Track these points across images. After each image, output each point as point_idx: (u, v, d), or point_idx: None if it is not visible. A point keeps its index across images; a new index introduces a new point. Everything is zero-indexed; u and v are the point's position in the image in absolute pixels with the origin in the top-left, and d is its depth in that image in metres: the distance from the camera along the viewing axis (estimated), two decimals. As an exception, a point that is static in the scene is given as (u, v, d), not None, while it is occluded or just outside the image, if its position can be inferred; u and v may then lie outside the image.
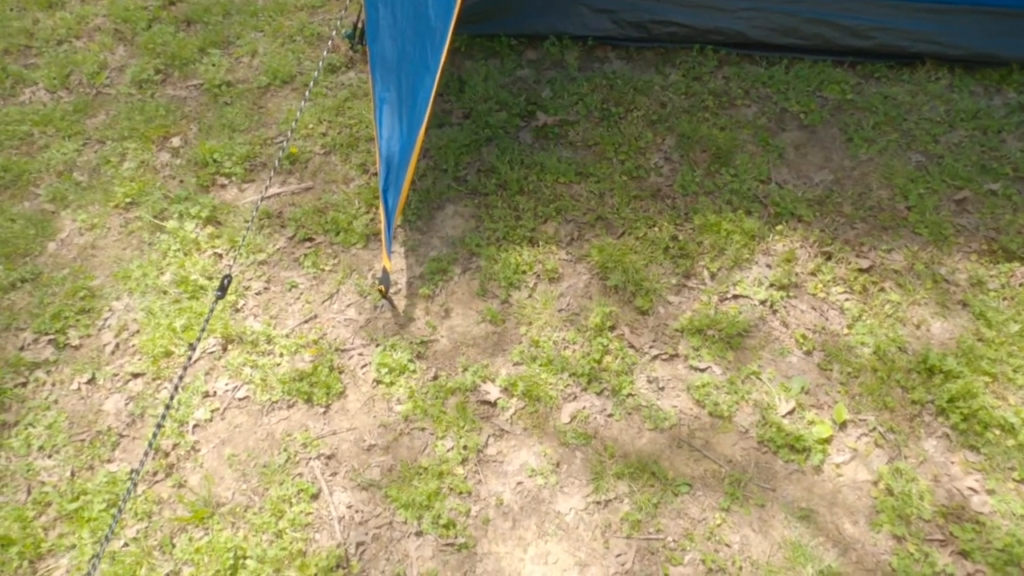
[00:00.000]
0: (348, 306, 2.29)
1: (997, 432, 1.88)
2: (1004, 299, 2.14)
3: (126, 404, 2.11)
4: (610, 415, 2.00)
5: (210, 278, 2.34)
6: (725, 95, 2.79)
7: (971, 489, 1.82)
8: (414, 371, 2.11)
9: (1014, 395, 1.94)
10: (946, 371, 1.97)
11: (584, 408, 2.02)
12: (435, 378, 2.10)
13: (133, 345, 2.22)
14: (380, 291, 2.15)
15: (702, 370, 2.07)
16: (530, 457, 1.94)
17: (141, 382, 2.15)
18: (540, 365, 2.09)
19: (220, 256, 2.42)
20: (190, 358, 1.53)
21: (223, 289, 1.63)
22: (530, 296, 2.27)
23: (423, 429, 2.00)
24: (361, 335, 2.21)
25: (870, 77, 2.81)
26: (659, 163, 2.60)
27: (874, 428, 1.93)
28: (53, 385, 2.16)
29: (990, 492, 1.80)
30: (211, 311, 1.63)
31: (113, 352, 2.22)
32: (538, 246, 2.37)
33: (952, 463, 1.86)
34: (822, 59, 2.86)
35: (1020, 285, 2.17)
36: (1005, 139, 2.56)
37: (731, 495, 1.84)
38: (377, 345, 2.17)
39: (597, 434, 1.97)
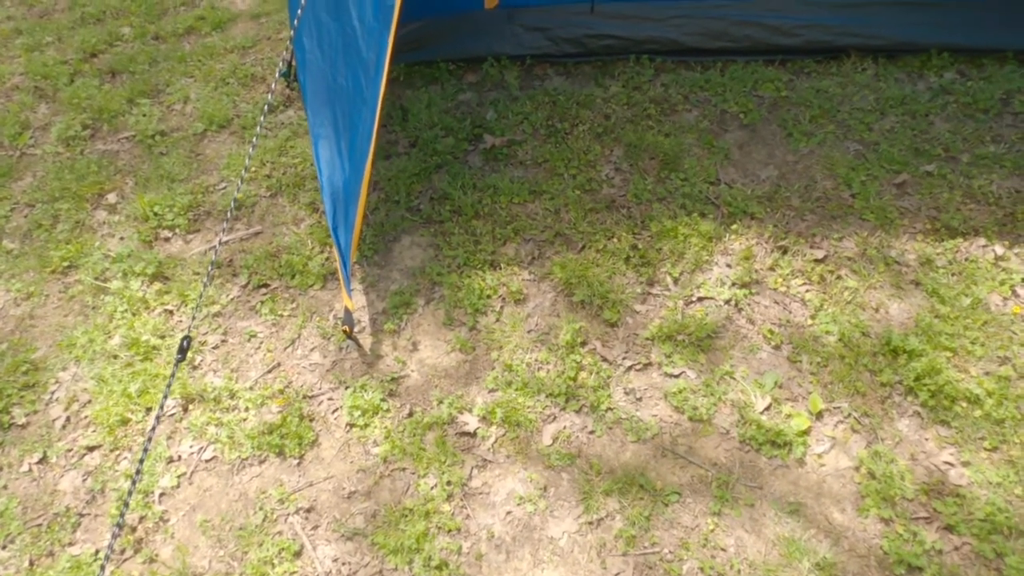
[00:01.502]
0: (312, 350, 2.21)
1: (964, 405, 1.93)
2: (953, 275, 2.22)
3: (84, 480, 1.98)
4: (592, 432, 1.98)
5: (162, 337, 2.24)
6: (666, 102, 2.84)
7: (947, 463, 1.86)
8: (388, 410, 2.05)
9: (975, 367, 2.00)
10: (909, 350, 2.03)
11: (565, 428, 1.99)
12: (410, 415, 2.04)
13: (86, 417, 2.10)
14: (345, 331, 2.09)
15: (677, 376, 2.07)
16: (516, 484, 1.90)
17: (98, 455, 2.02)
18: (516, 389, 2.06)
19: (171, 312, 2.32)
20: (154, 427, 1.45)
21: (183, 351, 1.55)
22: (498, 320, 2.24)
23: (404, 469, 1.94)
24: (329, 379, 2.14)
25: (801, 73, 2.91)
26: (610, 174, 2.62)
27: (849, 414, 1.96)
28: (0, 469, 2.02)
29: (965, 464, 1.85)
30: (172, 376, 1.54)
31: (64, 426, 2.09)
32: (500, 269, 2.35)
33: (926, 440, 1.91)
34: (754, 59, 2.95)
35: (966, 260, 2.26)
36: (933, 121, 2.67)
37: (720, 498, 1.83)
38: (346, 387, 2.10)
39: (581, 452, 1.95)
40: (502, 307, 2.27)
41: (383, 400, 2.06)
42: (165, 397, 1.46)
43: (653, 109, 2.81)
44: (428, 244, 2.45)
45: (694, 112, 2.80)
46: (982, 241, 2.29)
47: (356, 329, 2.22)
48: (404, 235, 2.49)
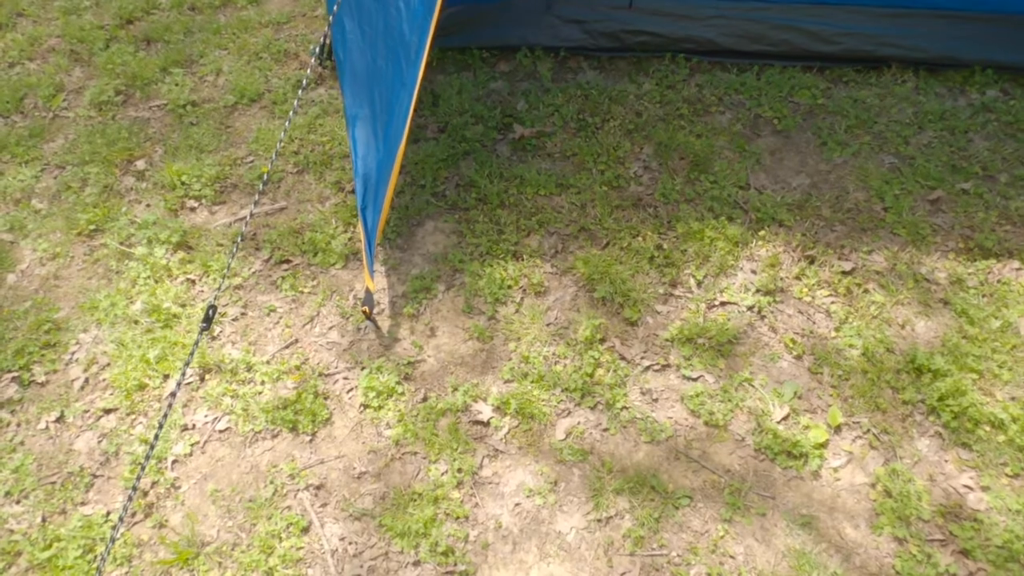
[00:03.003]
0: (330, 329, 2.22)
1: (987, 429, 1.90)
2: (984, 296, 2.18)
3: (99, 442, 2.00)
4: (605, 429, 1.97)
5: (183, 306, 2.25)
6: (699, 102, 2.81)
7: (966, 487, 1.83)
8: (402, 393, 2.05)
9: (1001, 391, 1.96)
10: (934, 370, 1.99)
11: (579, 424, 1.98)
12: (424, 400, 2.04)
13: (104, 379, 2.12)
14: (364, 312, 2.09)
15: (695, 379, 2.05)
16: (527, 477, 1.89)
17: (114, 418, 2.04)
18: (531, 382, 2.05)
19: (193, 282, 2.33)
20: (174, 393, 1.45)
21: (208, 320, 1.55)
22: (517, 311, 2.23)
23: (415, 453, 1.94)
24: (345, 358, 2.14)
25: (839, 81, 2.86)
26: (638, 172, 2.60)
27: (868, 430, 1.93)
28: (19, 425, 2.04)
29: (985, 489, 1.82)
30: (196, 344, 1.55)
31: (82, 388, 2.11)
32: (522, 260, 2.34)
33: (946, 461, 1.88)
34: (791, 65, 2.90)
35: (998, 282, 2.21)
36: (972, 139, 2.62)
37: (732, 505, 1.82)
38: (362, 368, 2.10)
39: (594, 450, 1.93)
40: (522, 298, 2.26)
41: (398, 383, 2.06)
42: (187, 364, 1.47)
43: (686, 109, 2.78)
44: (452, 231, 2.44)
45: (727, 114, 2.77)
46: (1016, 264, 2.25)
47: (375, 311, 2.22)
48: (428, 220, 2.48)
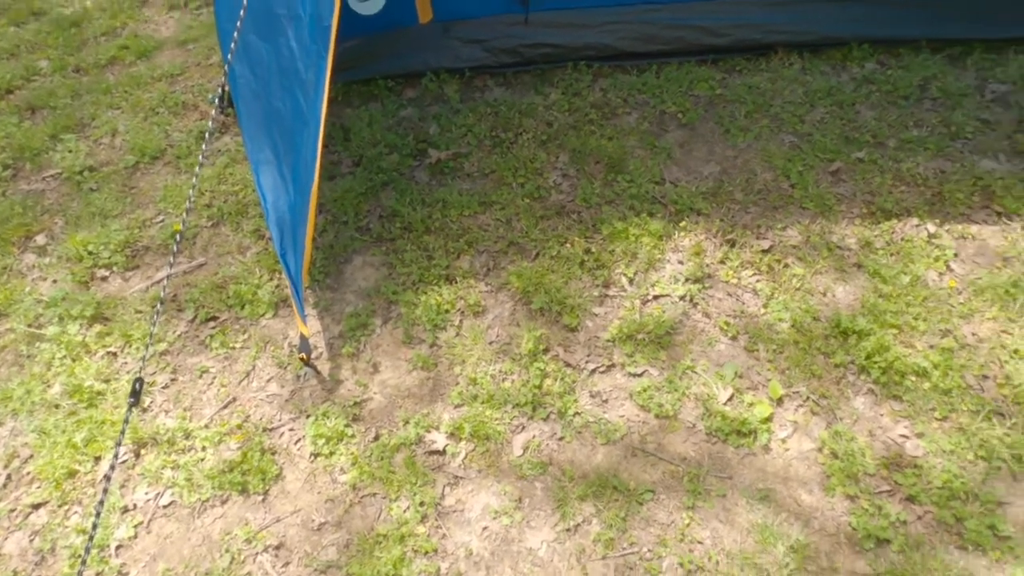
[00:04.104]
0: (268, 381, 2.14)
1: (913, 379, 2.01)
2: (891, 255, 2.31)
3: (31, 541, 1.86)
4: (561, 438, 1.98)
5: (107, 381, 2.13)
6: (606, 106, 2.88)
7: (903, 436, 1.93)
8: (352, 436, 2.00)
9: (920, 341, 2.08)
10: (858, 331, 2.10)
11: (534, 437, 1.98)
12: (376, 438, 2.00)
13: (28, 473, 1.98)
14: (302, 359, 2.03)
15: (640, 375, 2.09)
16: (490, 498, 1.88)
17: (45, 512, 1.91)
18: (482, 403, 2.04)
19: (115, 355, 2.21)
20: (108, 476, 1.36)
21: (136, 394, 1.47)
22: (458, 334, 2.22)
23: (374, 494, 1.89)
24: (288, 409, 2.07)
25: (733, 71, 2.99)
26: (558, 180, 2.64)
27: (807, 398, 2.01)
28: (-65, 539, 1.88)
29: (920, 435, 1.92)
30: (126, 421, 1.46)
31: (5, 485, 1.96)
32: (456, 283, 2.33)
33: (882, 415, 1.97)
34: (687, 60, 3.02)
35: (902, 240, 2.36)
36: (859, 110, 2.79)
37: (693, 492, 1.85)
38: (308, 416, 2.04)
39: (552, 460, 1.94)
40: (461, 321, 2.25)
41: (347, 426, 2.01)
42: (119, 444, 1.38)
43: (594, 114, 2.85)
44: (381, 263, 2.41)
45: (634, 115, 2.85)
46: (915, 221, 2.40)
47: (313, 355, 2.16)
48: (355, 256, 2.44)
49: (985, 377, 2.01)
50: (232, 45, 1.94)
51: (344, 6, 2.86)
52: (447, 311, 2.26)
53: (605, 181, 2.61)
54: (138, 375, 1.53)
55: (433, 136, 2.80)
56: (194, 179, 1.76)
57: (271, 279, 2.38)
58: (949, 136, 2.65)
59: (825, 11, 2.92)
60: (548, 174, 2.66)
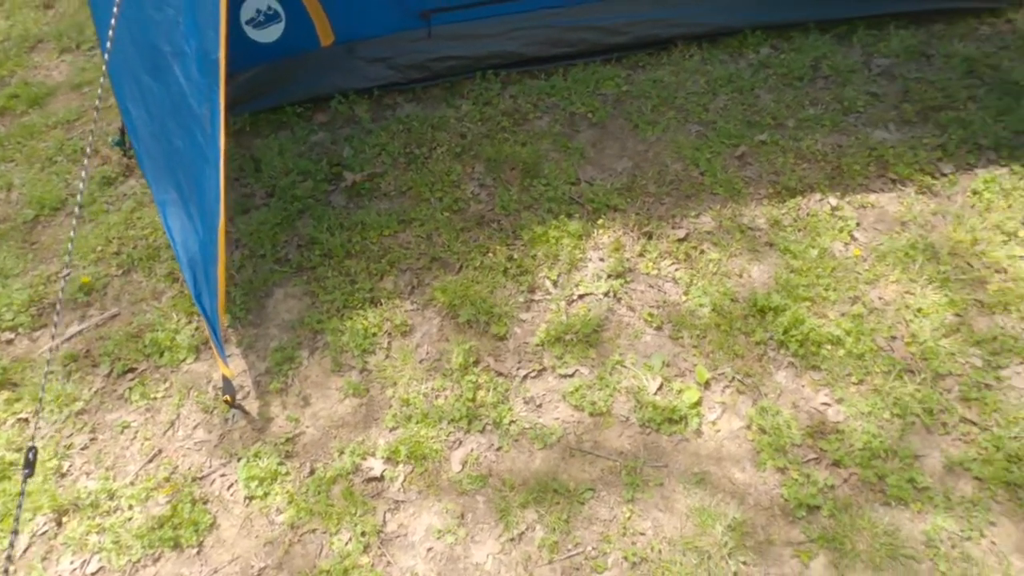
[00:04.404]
0: (195, 428, 2.08)
1: (829, 347, 2.09)
2: (799, 231, 2.40)
3: (-52, 631, 1.75)
4: (499, 448, 1.98)
5: (19, 450, 2.02)
6: (517, 112, 2.91)
7: (824, 404, 2.00)
8: (287, 473, 1.95)
9: (831, 311, 2.17)
10: (774, 307, 2.17)
11: (472, 450, 1.98)
12: (312, 473, 1.96)
13: (-61, 559, 1.85)
14: (227, 401, 1.98)
15: (571, 375, 2.11)
16: (433, 519, 1.86)
17: (-39, 598, 1.79)
18: (416, 422, 2.02)
19: (26, 421, 2.11)
20: (9, 556, 1.29)
21: (30, 465, 1.40)
22: (387, 356, 2.19)
23: (314, 530, 1.85)
24: (218, 455, 2.01)
25: (637, 67, 3.07)
26: (475, 191, 2.65)
27: (733, 378, 2.07)
28: None
29: (840, 401, 2.00)
30: (22, 494, 1.39)
31: (-86, 576, 1.83)
32: (381, 304, 2.31)
33: (803, 386, 2.05)
34: (593, 60, 3.08)
35: (808, 215, 2.45)
36: (758, 94, 2.89)
37: (631, 485, 1.88)
38: (239, 459, 1.99)
39: (492, 472, 1.94)
40: (389, 342, 2.23)
41: (280, 464, 1.97)
42: (17, 519, 1.31)
43: (506, 121, 2.87)
44: (303, 293, 2.37)
45: (545, 118, 2.89)
46: (818, 196, 2.50)
47: (240, 396, 2.11)
48: (276, 288, 2.39)
49: (894, 338, 2.11)
50: (102, 80, 1.87)
51: (241, 35, 2.81)
52: (374, 334, 2.24)
53: (522, 187, 2.63)
54: (30, 444, 1.45)
55: (347, 158, 2.78)
56: (87, 227, 1.69)
57: (190, 322, 2.30)
58: (842, 111, 2.78)
59: (718, 2, 3.02)
60: (465, 185, 2.66)
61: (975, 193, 2.46)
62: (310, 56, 2.93)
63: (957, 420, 1.93)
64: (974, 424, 1.93)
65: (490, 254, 2.42)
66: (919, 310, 2.15)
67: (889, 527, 1.76)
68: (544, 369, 2.14)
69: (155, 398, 2.14)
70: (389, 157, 2.77)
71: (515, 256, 2.41)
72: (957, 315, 2.14)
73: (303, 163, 2.75)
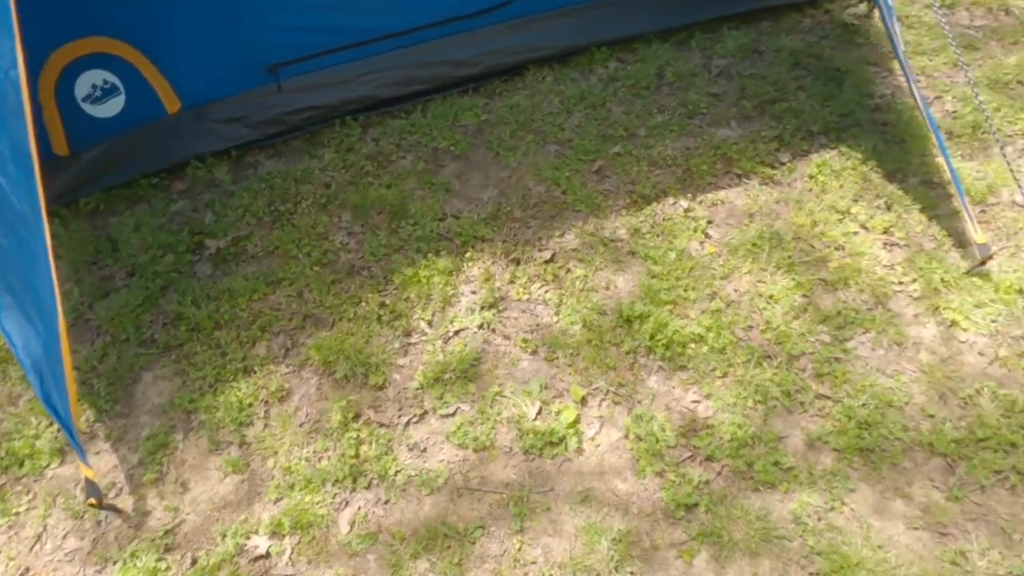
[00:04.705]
0: (64, 537, 1.97)
1: (693, 346, 2.19)
2: (657, 236, 2.51)
3: None
4: (387, 501, 1.97)
5: None
6: (380, 155, 2.92)
7: (694, 402, 2.09)
8: (168, 568, 1.88)
9: (692, 310, 2.27)
10: (639, 315, 2.25)
11: (360, 508, 1.96)
12: (194, 563, 1.89)
13: None
14: (92, 504, 1.88)
15: (452, 414, 2.12)
16: (325, 587, 1.83)
17: None
18: (300, 490, 1.99)
19: None
20: None
21: None
22: (266, 426, 2.15)
23: (201, 624, 1.79)
24: (92, 562, 1.91)
25: (494, 95, 3.13)
26: (344, 240, 2.63)
27: (607, 391, 2.13)
28: None
29: (708, 397, 2.09)
30: None
31: None
32: (255, 372, 2.26)
33: (674, 388, 2.13)
34: (449, 94, 3.12)
35: (664, 220, 2.56)
36: (610, 108, 3.01)
37: (520, 515, 1.90)
38: (115, 563, 1.89)
39: (381, 527, 1.92)
40: (267, 410, 2.18)
41: (160, 559, 1.89)
42: None
43: (370, 165, 2.88)
44: (172, 373, 2.29)
45: (408, 157, 2.91)
46: (671, 200, 2.62)
47: (112, 493, 2.02)
48: (144, 373, 2.30)
49: (750, 327, 2.22)
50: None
51: (79, 113, 2.72)
52: (250, 405, 2.18)
53: (390, 230, 2.64)
54: None
55: (209, 225, 2.71)
56: None
57: (51, 424, 2.19)
58: (688, 115, 2.92)
59: (561, 25, 3.13)
60: (333, 236, 2.64)
61: (811, 177, 2.63)
62: (158, 125, 2.86)
63: (812, 397, 2.05)
64: (828, 398, 2.05)
65: (363, 303, 2.41)
66: (770, 297, 2.28)
67: (760, 512, 1.85)
68: (425, 412, 2.14)
69: (17, 512, 2.02)
70: (253, 218, 2.72)
71: (387, 302, 2.41)
72: (804, 296, 2.28)
73: (163, 236, 2.66)
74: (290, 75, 2.92)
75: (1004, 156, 2.36)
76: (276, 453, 2.08)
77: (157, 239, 2.66)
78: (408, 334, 2.33)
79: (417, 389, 2.19)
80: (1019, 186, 2.33)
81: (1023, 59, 2.98)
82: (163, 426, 2.16)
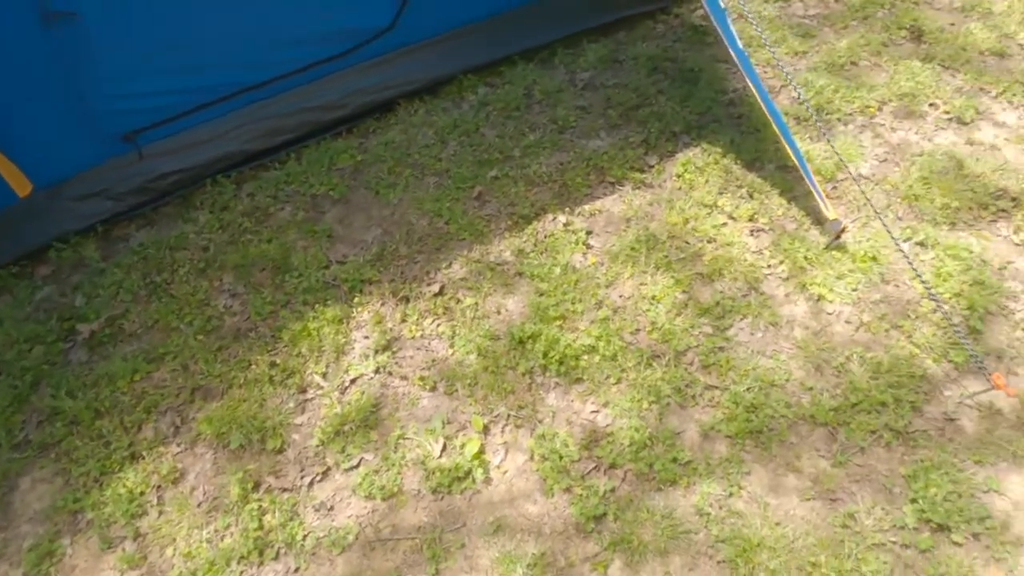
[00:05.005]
0: (-56, 677, 1.80)
1: (586, 357, 2.23)
2: (541, 253, 2.55)
3: None
4: (297, 570, 1.90)
5: None
6: (257, 210, 2.85)
7: (593, 412, 2.13)
8: None
9: (581, 322, 2.32)
10: (531, 335, 2.28)
11: (269, 582, 1.89)
12: (94, 675, 1.76)
13: None
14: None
15: (356, 466, 2.08)
16: (240, 673, 1.74)
17: None
18: (204, 574, 1.89)
19: None
20: None
21: None
22: (160, 513, 2.04)
23: None
24: None
25: (368, 134, 3.12)
26: (227, 304, 2.55)
27: (508, 415, 2.14)
28: None
29: (605, 405, 2.13)
30: None
31: None
32: (144, 458, 2.15)
33: (572, 402, 2.16)
34: (322, 138, 3.09)
35: (546, 237, 2.61)
36: (484, 133, 3.05)
37: (434, 558, 1.88)
38: None
39: (293, 597, 1.85)
40: (160, 496, 2.07)
41: None
42: None
43: (248, 222, 2.80)
44: (52, 474, 2.15)
45: (287, 208, 2.85)
46: (551, 216, 2.67)
47: (-5, 618, 1.86)
48: (20, 478, 2.15)
49: (637, 330, 2.29)
50: None
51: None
52: (142, 493, 2.07)
53: (275, 285, 2.58)
54: None
55: (80, 308, 2.57)
56: None
57: (-83, 554, 2.00)
58: (559, 130, 3.00)
59: (426, 57, 3.16)
60: (215, 301, 2.56)
61: (678, 176, 2.75)
62: (10, 211, 2.69)
63: (702, 389, 2.13)
64: (716, 388, 2.14)
65: (252, 366, 2.34)
66: (653, 298, 2.36)
67: (665, 510, 1.90)
68: (329, 469, 2.09)
69: None
70: (128, 294, 2.60)
71: (278, 361, 2.34)
72: (684, 292, 2.37)
73: (29, 327, 2.50)
74: (150, 140, 2.82)
75: (824, 137, 2.54)
76: (174, 540, 1.98)
77: (23, 331, 2.50)
78: (303, 391, 2.27)
79: (318, 446, 2.14)
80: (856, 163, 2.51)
81: (853, 42, 3.23)
82: (47, 533, 2.02)
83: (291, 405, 2.24)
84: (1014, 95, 2.91)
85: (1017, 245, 2.43)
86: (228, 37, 2.74)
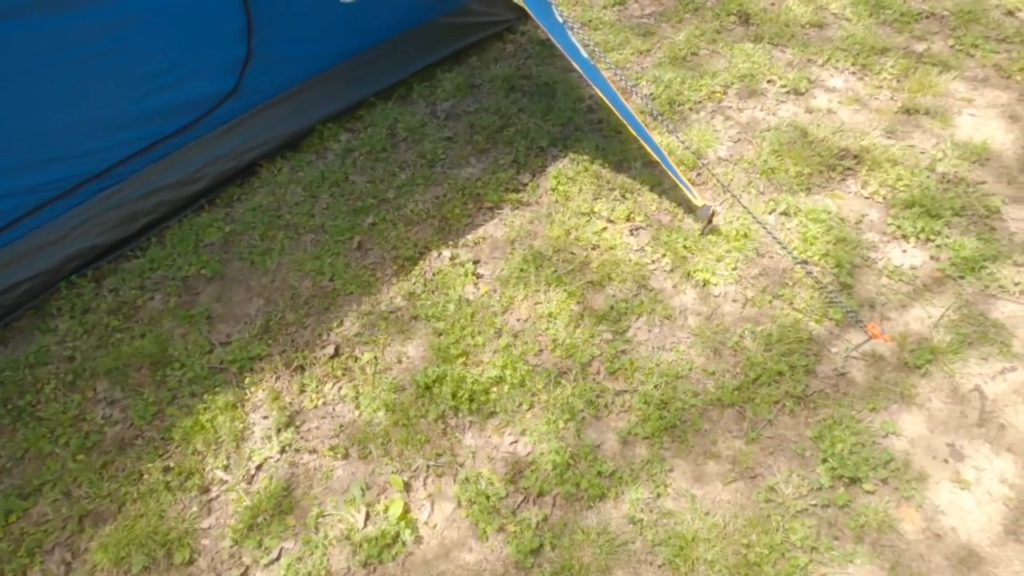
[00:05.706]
0: None
1: (495, 389, 2.20)
2: (432, 292, 2.51)
3: None
4: None
5: None
6: (124, 305, 2.65)
7: (513, 443, 2.10)
8: None
9: (484, 354, 2.29)
10: (436, 378, 2.23)
11: None
12: None
13: None
14: None
15: (277, 558, 1.95)
16: None
17: None
18: None
19: None
20: None
21: None
22: (63, 666, 1.82)
23: None
24: None
25: (233, 201, 2.97)
26: (106, 414, 2.34)
27: (428, 466, 2.08)
28: None
29: (523, 433, 2.11)
30: None
31: None
32: (33, 608, 1.92)
33: (490, 437, 2.12)
34: (183, 216, 2.92)
35: (435, 274, 2.57)
36: (353, 180, 2.98)
37: (376, 636, 1.78)
38: None
39: None
40: (60, 647, 1.85)
41: None
42: None
43: (115, 320, 2.59)
44: (-74, 654, 1.88)
45: (156, 297, 2.67)
46: (435, 252, 2.64)
47: None
48: None
49: (540, 351, 2.29)
50: None
51: None
52: (38, 649, 1.85)
53: (156, 383, 2.39)
54: None
55: (-67, 456, 2.27)
56: None
57: None
58: (428, 165, 2.98)
59: (279, 113, 3.06)
60: (91, 414, 2.34)
61: (553, 190, 2.78)
62: None
63: (612, 396, 2.15)
64: (625, 392, 2.16)
65: (145, 477, 2.15)
66: (550, 315, 2.37)
67: (599, 527, 1.89)
68: (247, 568, 1.94)
69: None
70: (-12, 428, 2.33)
71: (172, 464, 2.17)
72: (578, 303, 2.39)
73: None
74: (-15, 254, 2.57)
75: (667, 128, 2.65)
76: None
77: None
78: (205, 490, 2.11)
79: (232, 547, 1.98)
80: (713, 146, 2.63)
81: (690, 34, 3.40)
82: None
83: (194, 509, 2.07)
84: (838, 61, 3.15)
85: (867, 198, 2.61)
86: (64, 128, 2.54)
